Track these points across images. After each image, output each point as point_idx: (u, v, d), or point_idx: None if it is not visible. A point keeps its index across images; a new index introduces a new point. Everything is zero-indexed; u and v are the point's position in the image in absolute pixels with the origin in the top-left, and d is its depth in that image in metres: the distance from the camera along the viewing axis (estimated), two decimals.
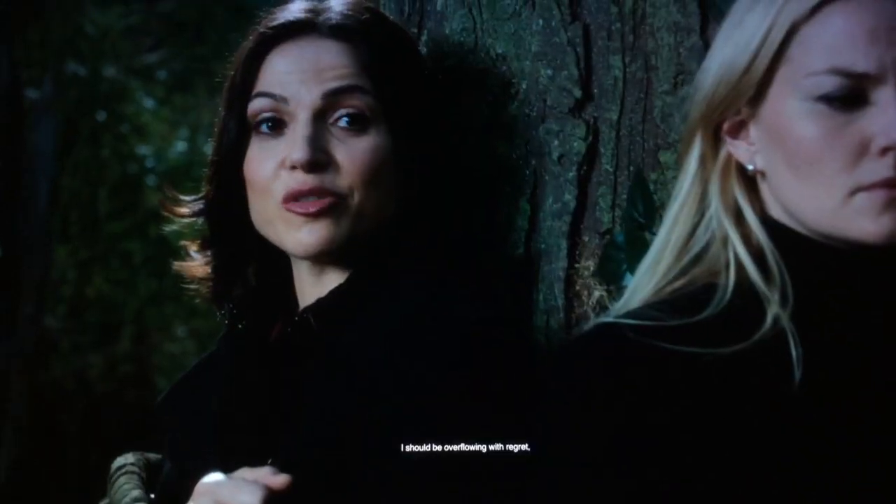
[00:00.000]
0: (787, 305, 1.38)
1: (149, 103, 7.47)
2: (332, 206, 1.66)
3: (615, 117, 1.70)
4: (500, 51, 1.78)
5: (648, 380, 1.36)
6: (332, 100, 1.67)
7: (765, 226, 1.43)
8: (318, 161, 1.66)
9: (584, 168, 1.72)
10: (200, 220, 1.80)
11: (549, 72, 1.74)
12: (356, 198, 1.66)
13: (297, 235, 1.67)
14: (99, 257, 7.26)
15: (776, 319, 1.37)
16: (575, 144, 1.72)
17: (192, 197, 1.81)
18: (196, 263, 1.81)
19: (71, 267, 7.28)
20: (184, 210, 1.81)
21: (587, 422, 1.37)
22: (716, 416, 1.35)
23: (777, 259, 1.40)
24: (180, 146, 7.15)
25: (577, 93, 1.72)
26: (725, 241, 1.43)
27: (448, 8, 1.83)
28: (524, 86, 1.77)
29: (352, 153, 1.66)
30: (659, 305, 1.41)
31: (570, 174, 1.73)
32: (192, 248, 1.82)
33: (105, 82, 7.01)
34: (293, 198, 1.66)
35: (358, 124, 1.67)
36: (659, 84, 1.68)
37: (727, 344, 1.35)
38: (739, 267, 1.41)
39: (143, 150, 7.21)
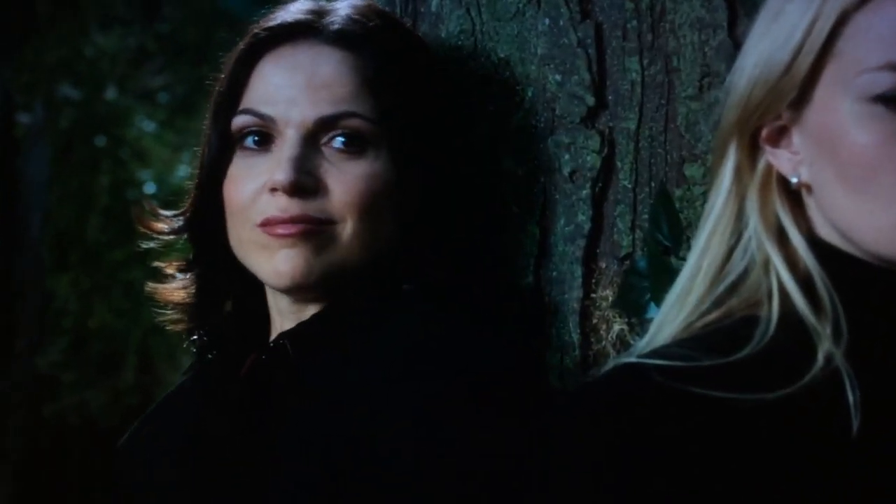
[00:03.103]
0: (840, 341, 1.28)
1: (149, 127, 7.49)
2: (315, 232, 1.54)
3: (633, 127, 1.64)
4: (502, 55, 1.72)
5: (679, 431, 1.25)
6: (325, 124, 1.56)
7: (812, 248, 1.33)
8: (304, 185, 1.54)
9: (600, 185, 1.66)
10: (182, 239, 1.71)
11: (558, 77, 1.68)
12: (346, 228, 1.55)
13: (273, 263, 1.55)
14: (100, 287, 7.25)
15: (828, 358, 1.27)
16: (588, 158, 1.66)
17: (172, 212, 1.70)
18: (173, 287, 1.70)
19: (72, 297, 7.26)
20: (161, 226, 1.70)
21: (607, 482, 1.25)
22: (759, 474, 1.24)
23: (828, 286, 1.31)
24: (182, 171, 7.18)
25: (590, 100, 1.66)
26: (767, 266, 1.34)
27: (444, 8, 1.77)
28: (530, 93, 1.71)
29: (345, 178, 1.55)
30: (690, 343, 1.32)
31: (584, 192, 1.67)
32: (171, 270, 1.71)
33: (104, 106, 7.00)
34: (272, 224, 1.55)
35: (354, 146, 1.56)
36: (682, 88, 1.62)
37: (771, 388, 1.26)
38: (784, 296, 1.32)
39: (144, 175, 7.22)
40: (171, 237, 1.69)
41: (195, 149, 1.69)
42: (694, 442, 1.24)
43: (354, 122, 1.55)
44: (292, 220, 1.53)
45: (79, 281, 7.24)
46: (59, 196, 6.79)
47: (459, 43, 1.74)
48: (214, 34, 7.26)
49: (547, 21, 1.68)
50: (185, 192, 1.72)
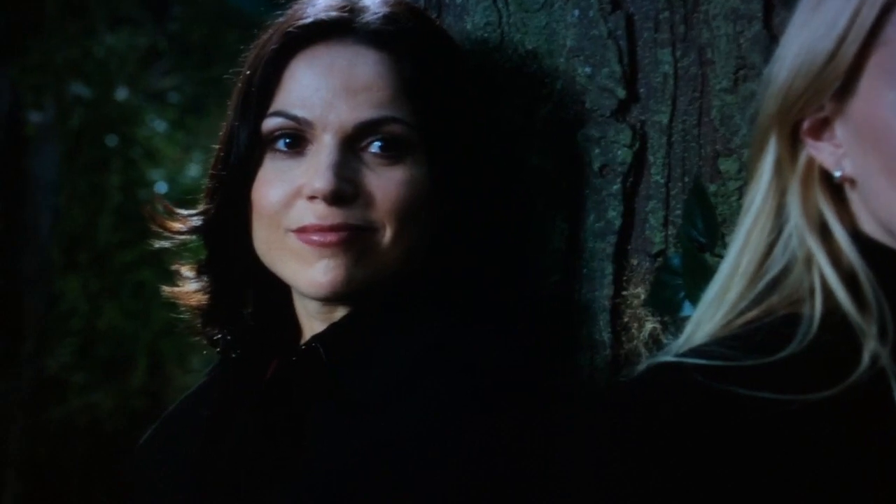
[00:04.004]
0: (886, 340, 1.24)
1: (160, 126, 7.48)
2: (355, 240, 1.50)
3: (666, 120, 1.62)
4: (529, 47, 1.70)
5: (721, 432, 1.21)
6: (365, 129, 1.51)
7: (857, 243, 1.30)
8: (344, 193, 1.49)
9: (631, 180, 1.64)
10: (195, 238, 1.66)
11: (588, 70, 1.66)
12: (386, 235, 1.51)
13: (311, 273, 1.51)
14: (110, 288, 7.23)
15: (874, 358, 1.24)
16: (619, 153, 1.64)
17: (189, 211, 1.65)
18: (190, 289, 1.66)
19: (81, 298, 7.25)
20: (178, 226, 1.65)
21: (647, 483, 1.21)
22: (802, 476, 1.20)
23: (872, 283, 1.27)
24: (193, 170, 7.16)
25: (621, 93, 1.64)
26: (809, 262, 1.31)
27: (469, 0, 1.74)
28: (558, 86, 1.68)
29: (384, 185, 1.51)
30: (730, 342, 1.28)
31: (614, 187, 1.65)
32: (187, 272, 1.66)
33: (114, 105, 6.98)
34: (309, 231, 1.51)
35: (393, 151, 1.52)
36: (716, 81, 1.60)
37: (815, 388, 1.22)
38: (827, 294, 1.29)
39: (155, 175, 7.22)
40: (186, 237, 1.65)
41: (213, 146, 1.64)
42: (735, 443, 1.20)
43: (394, 128, 1.51)
44: (332, 229, 1.49)
45: (88, 282, 7.23)
46: (69, 196, 6.77)
47: (485, 35, 1.72)
48: (224, 34, 7.26)
49: (576, 12, 1.66)
50: (196, 191, 1.67)
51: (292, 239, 1.51)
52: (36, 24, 5.80)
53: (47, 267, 6.08)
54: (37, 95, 6.14)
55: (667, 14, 1.62)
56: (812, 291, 1.29)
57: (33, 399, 6.19)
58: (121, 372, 7.35)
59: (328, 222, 1.49)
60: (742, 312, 1.32)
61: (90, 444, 7.04)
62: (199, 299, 1.65)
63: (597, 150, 1.65)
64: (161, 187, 7.13)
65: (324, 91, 1.51)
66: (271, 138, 1.54)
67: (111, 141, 7.12)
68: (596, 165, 1.65)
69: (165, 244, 1.65)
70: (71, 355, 7.27)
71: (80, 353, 7.31)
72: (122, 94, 7.19)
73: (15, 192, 5.62)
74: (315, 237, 1.49)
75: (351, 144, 1.51)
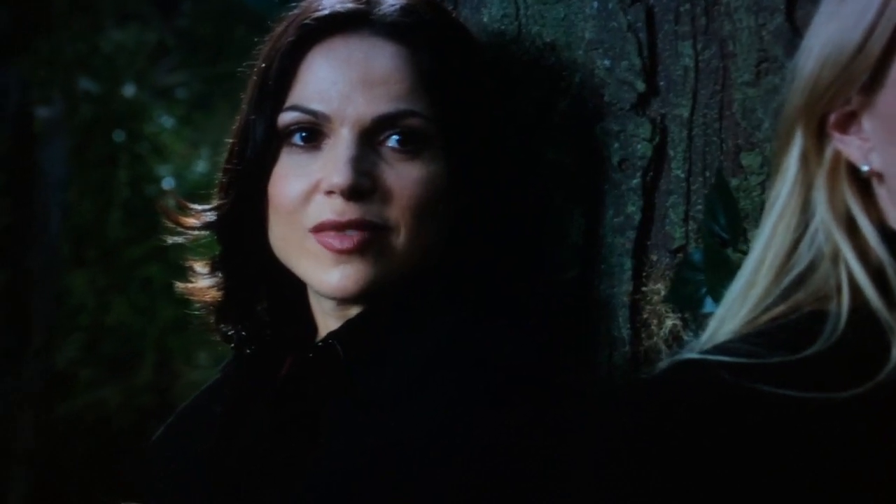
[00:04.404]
0: None
1: (168, 122, 7.48)
2: (372, 241, 1.48)
3: (686, 114, 1.61)
4: (547, 39, 1.68)
5: (746, 431, 1.18)
6: (383, 123, 1.49)
7: (885, 239, 1.27)
8: (362, 188, 1.47)
9: (651, 174, 1.62)
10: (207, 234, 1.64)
11: (607, 62, 1.65)
12: (403, 234, 1.49)
13: (327, 275, 1.49)
14: (118, 283, 7.23)
15: None
16: (639, 147, 1.63)
17: (203, 206, 1.62)
18: (204, 286, 1.63)
19: (89, 294, 7.26)
20: (191, 221, 1.62)
21: (667, 487, 1.18)
22: (829, 476, 1.17)
23: None
24: (201, 167, 7.16)
25: (641, 86, 1.63)
26: (836, 258, 1.28)
27: None
28: (577, 79, 1.67)
29: (402, 182, 1.49)
30: (755, 338, 1.25)
31: (634, 182, 1.63)
32: (200, 268, 1.64)
33: (122, 101, 7.00)
34: (327, 228, 1.48)
35: (411, 145, 1.50)
36: (738, 74, 1.58)
37: (842, 387, 1.19)
38: (854, 290, 1.26)
39: (162, 171, 7.22)
40: (199, 233, 1.62)
41: (225, 140, 1.62)
42: (761, 442, 1.17)
43: (413, 122, 1.49)
44: (349, 225, 1.47)
45: (96, 278, 7.23)
46: (78, 191, 6.77)
47: (502, 27, 1.70)
48: (232, 29, 7.25)
49: (595, 3, 1.65)
50: (204, 187, 1.65)
51: (311, 241, 1.49)
52: (44, 19, 5.80)
53: (55, 262, 6.09)
54: (45, 90, 6.14)
55: (687, 6, 1.60)
56: (839, 288, 1.26)
57: (40, 395, 6.21)
58: (128, 368, 7.38)
59: (345, 218, 1.47)
60: (767, 309, 1.29)
61: (97, 441, 7.06)
62: (213, 296, 1.62)
63: (616, 144, 1.63)
64: (168, 183, 7.14)
65: (341, 84, 1.49)
66: (287, 132, 1.52)
67: (119, 137, 7.12)
68: (615, 160, 1.63)
69: (179, 240, 1.62)
70: (78, 351, 7.29)
71: (87, 349, 7.33)
72: (129, 90, 7.20)
73: (23, 187, 5.62)
74: (334, 242, 1.47)
75: (368, 138, 1.49)
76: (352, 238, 1.47)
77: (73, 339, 7.23)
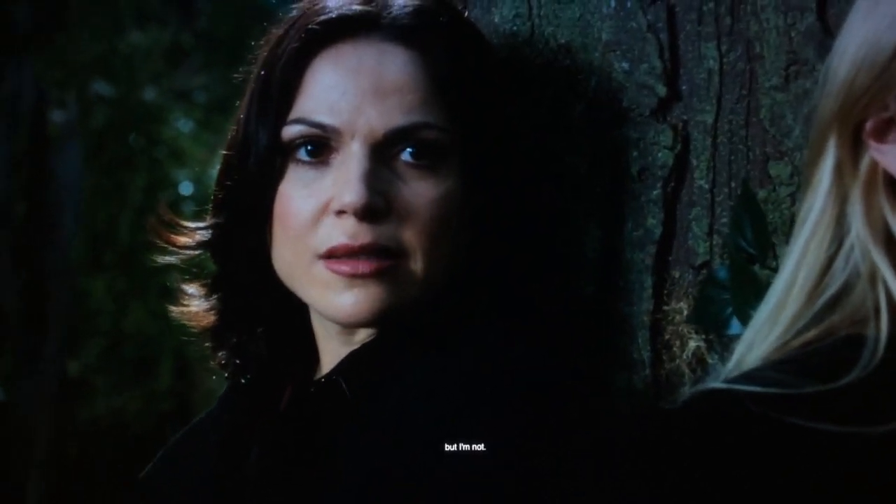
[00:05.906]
0: None
1: (186, 126, 7.57)
2: (385, 270, 1.42)
3: (710, 120, 1.59)
4: (562, 40, 1.67)
5: (776, 468, 1.14)
6: (396, 136, 1.43)
7: None
8: (376, 208, 1.41)
9: (672, 185, 1.61)
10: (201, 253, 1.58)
11: (625, 65, 1.63)
12: (419, 259, 1.44)
13: (339, 299, 1.43)
14: (136, 289, 7.35)
15: None
16: (659, 155, 1.61)
17: (197, 224, 1.56)
18: (198, 308, 1.57)
19: (107, 299, 7.36)
20: (184, 240, 1.55)
21: None
22: None
23: None
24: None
25: (661, 90, 1.61)
26: (873, 277, 1.25)
27: None
28: (593, 83, 1.65)
29: (417, 199, 1.43)
30: (786, 366, 1.22)
31: (654, 193, 1.62)
32: (194, 290, 1.57)
33: (138, 104, 7.10)
34: (339, 255, 1.42)
35: (425, 159, 1.44)
36: (766, 77, 1.57)
37: (881, 420, 1.15)
38: (893, 312, 1.23)
39: (180, 175, 7.36)
40: (191, 252, 1.56)
41: (222, 152, 1.56)
42: (792, 480, 1.13)
43: (428, 134, 1.43)
44: (363, 250, 1.41)
45: (114, 282, 7.33)
46: (93, 195, 6.87)
47: (514, 28, 1.68)
48: (252, 31, 7.34)
49: (613, 3, 1.63)
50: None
51: (319, 267, 1.43)
52: (60, 18, 5.85)
53: (71, 266, 6.17)
54: (60, 92, 6.20)
55: (711, 4, 1.58)
56: (877, 310, 1.23)
57: (59, 400, 6.27)
58: (147, 373, 7.46)
59: (358, 242, 1.40)
60: (799, 333, 1.26)
61: (115, 446, 7.15)
62: (209, 321, 1.56)
63: (635, 153, 1.62)
64: (186, 188, 7.24)
65: (351, 95, 1.43)
66: (292, 146, 1.45)
67: (135, 140, 7.21)
68: (634, 169, 1.61)
69: (171, 260, 1.56)
70: (97, 357, 7.40)
71: (105, 355, 7.44)
72: (148, 92, 7.30)
73: (38, 190, 5.69)
74: (346, 267, 1.41)
75: (380, 152, 1.43)
76: (366, 263, 1.41)
77: (91, 344, 7.32)
